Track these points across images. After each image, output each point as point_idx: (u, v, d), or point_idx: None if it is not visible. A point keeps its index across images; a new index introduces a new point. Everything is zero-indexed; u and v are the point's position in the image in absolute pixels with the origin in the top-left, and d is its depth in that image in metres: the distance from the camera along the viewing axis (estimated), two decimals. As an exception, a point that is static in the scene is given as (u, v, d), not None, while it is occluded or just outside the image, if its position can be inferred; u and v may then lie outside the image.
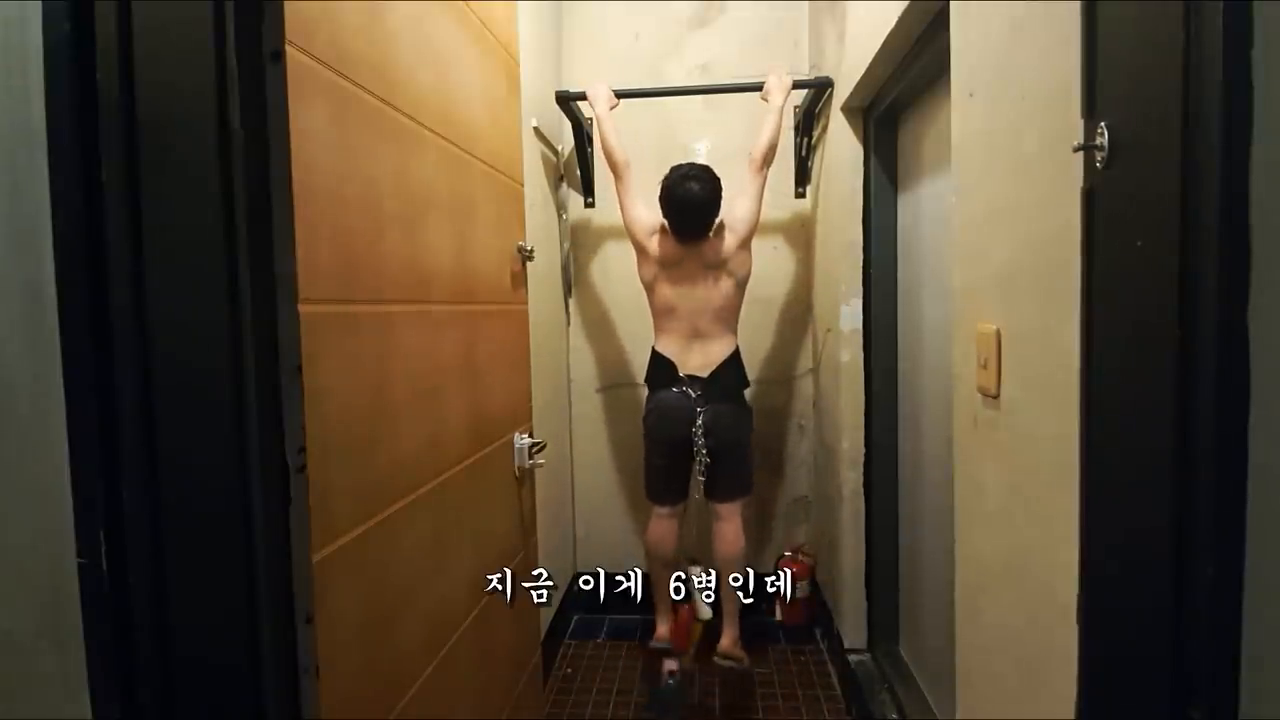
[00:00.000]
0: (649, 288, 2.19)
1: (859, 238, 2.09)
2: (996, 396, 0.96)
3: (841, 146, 2.11)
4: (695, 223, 2.07)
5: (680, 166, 2.09)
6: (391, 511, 0.96)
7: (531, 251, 1.61)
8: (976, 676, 1.08)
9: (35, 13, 0.49)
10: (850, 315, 2.12)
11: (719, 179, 2.07)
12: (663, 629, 2.16)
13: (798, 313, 2.64)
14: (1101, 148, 0.65)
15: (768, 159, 2.12)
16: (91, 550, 0.50)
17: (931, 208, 1.74)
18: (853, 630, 2.15)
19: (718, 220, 2.12)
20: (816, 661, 2.37)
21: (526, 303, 1.64)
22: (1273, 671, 0.52)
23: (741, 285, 2.16)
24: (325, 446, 0.79)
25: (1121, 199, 0.64)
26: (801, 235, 2.62)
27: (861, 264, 2.09)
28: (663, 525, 2.16)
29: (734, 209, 2.12)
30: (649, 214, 2.15)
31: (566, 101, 2.35)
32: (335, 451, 0.82)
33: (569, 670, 2.33)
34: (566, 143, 2.59)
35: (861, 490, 2.13)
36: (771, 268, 2.62)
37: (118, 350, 0.52)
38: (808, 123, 2.41)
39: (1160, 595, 0.58)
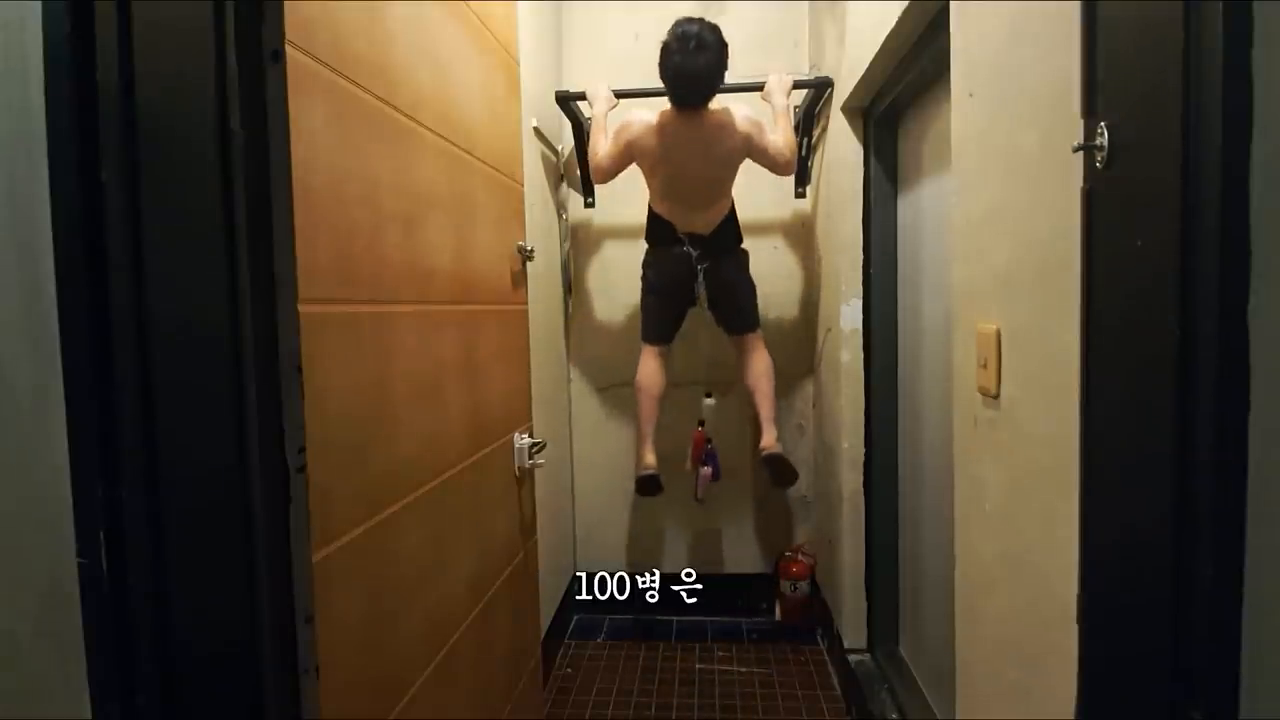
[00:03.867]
0: (649, 173, 2.18)
1: (859, 238, 2.09)
2: (996, 396, 0.96)
3: (841, 146, 2.11)
4: (696, 91, 1.99)
5: (685, 24, 1.93)
6: (391, 511, 0.96)
7: (531, 251, 1.61)
8: (976, 676, 1.08)
9: (35, 13, 0.48)
10: (850, 315, 2.12)
11: (724, 42, 1.94)
12: (649, 457, 2.25)
13: (797, 313, 2.64)
14: (1101, 148, 0.65)
15: (794, 153, 2.15)
16: (91, 550, 0.50)
17: (931, 208, 1.74)
18: (853, 630, 2.15)
19: (728, 106, 2.08)
20: (816, 661, 2.37)
21: (526, 303, 1.64)
22: (1273, 671, 0.52)
23: (738, 161, 2.15)
24: (325, 446, 0.79)
25: (1121, 199, 0.64)
26: (801, 235, 2.62)
27: (861, 264, 2.09)
28: (654, 362, 2.29)
29: (757, 124, 2.10)
30: (627, 130, 2.11)
31: (566, 101, 2.35)
32: (335, 451, 0.82)
33: (569, 670, 2.33)
34: (566, 143, 2.59)
35: (861, 490, 2.13)
36: (771, 268, 2.62)
37: (118, 350, 0.52)
38: (808, 123, 2.41)
39: (1160, 595, 0.58)
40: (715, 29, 1.93)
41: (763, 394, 2.23)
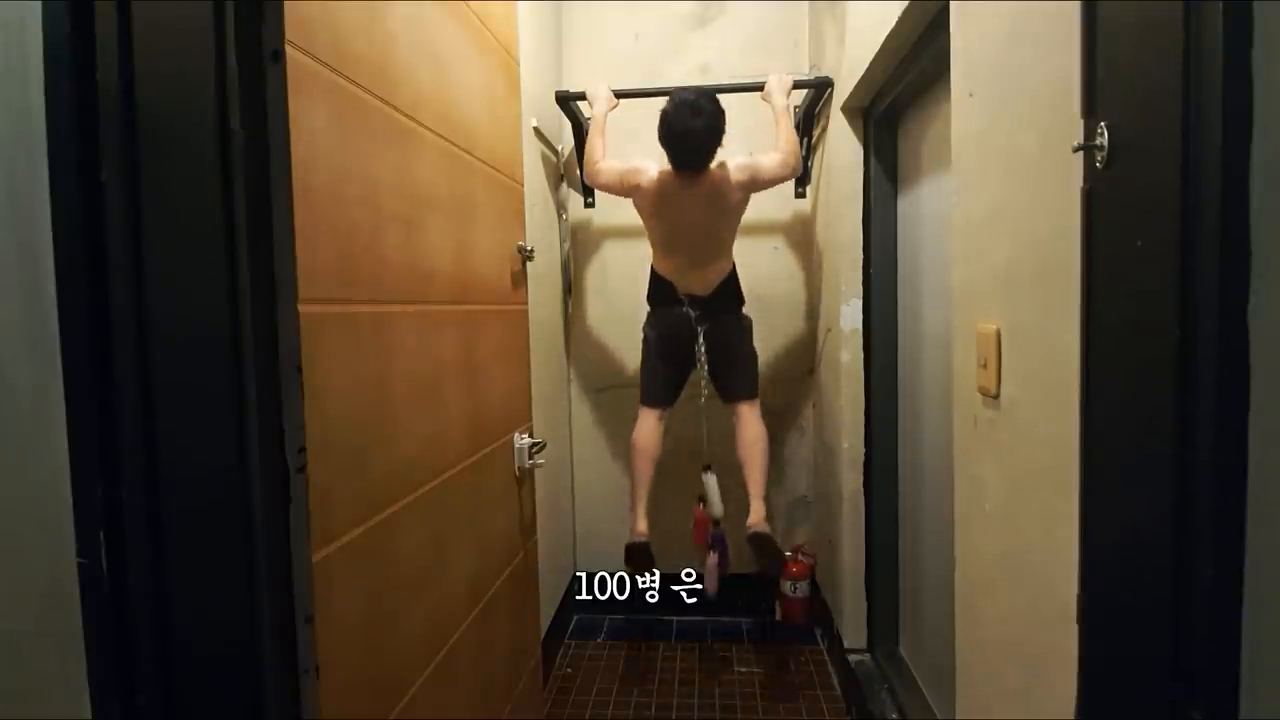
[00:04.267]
0: (647, 219, 2.19)
1: (859, 238, 2.09)
2: (996, 396, 0.96)
3: (841, 146, 2.11)
4: (695, 158, 2.03)
5: (681, 92, 2.01)
6: (391, 511, 0.96)
7: (531, 251, 1.61)
8: (976, 676, 1.08)
9: (35, 13, 0.49)
10: (850, 315, 2.12)
11: (721, 108, 2.00)
12: (641, 524, 2.19)
13: (798, 313, 2.64)
14: (1101, 148, 0.65)
15: (797, 155, 2.13)
16: (91, 550, 0.50)
17: (931, 208, 1.74)
18: (853, 630, 2.15)
19: (724, 161, 2.09)
20: (816, 661, 2.37)
21: (526, 303, 1.64)
22: (1273, 671, 0.52)
23: (738, 217, 2.17)
24: (325, 446, 0.79)
25: (1121, 199, 0.64)
26: (801, 235, 2.62)
27: (861, 264, 2.09)
28: (651, 425, 2.25)
29: (751, 162, 2.10)
30: (630, 163, 2.13)
31: (566, 101, 2.35)
32: (335, 451, 0.82)
33: (569, 670, 2.33)
34: (566, 143, 2.59)
35: (861, 490, 2.13)
36: (771, 268, 2.62)
37: (118, 350, 0.52)
38: (808, 123, 2.41)
39: (1160, 595, 0.58)
40: (713, 97, 2.02)
41: (753, 468, 2.16)
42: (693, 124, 1.96)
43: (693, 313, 2.16)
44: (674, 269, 2.18)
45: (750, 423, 2.20)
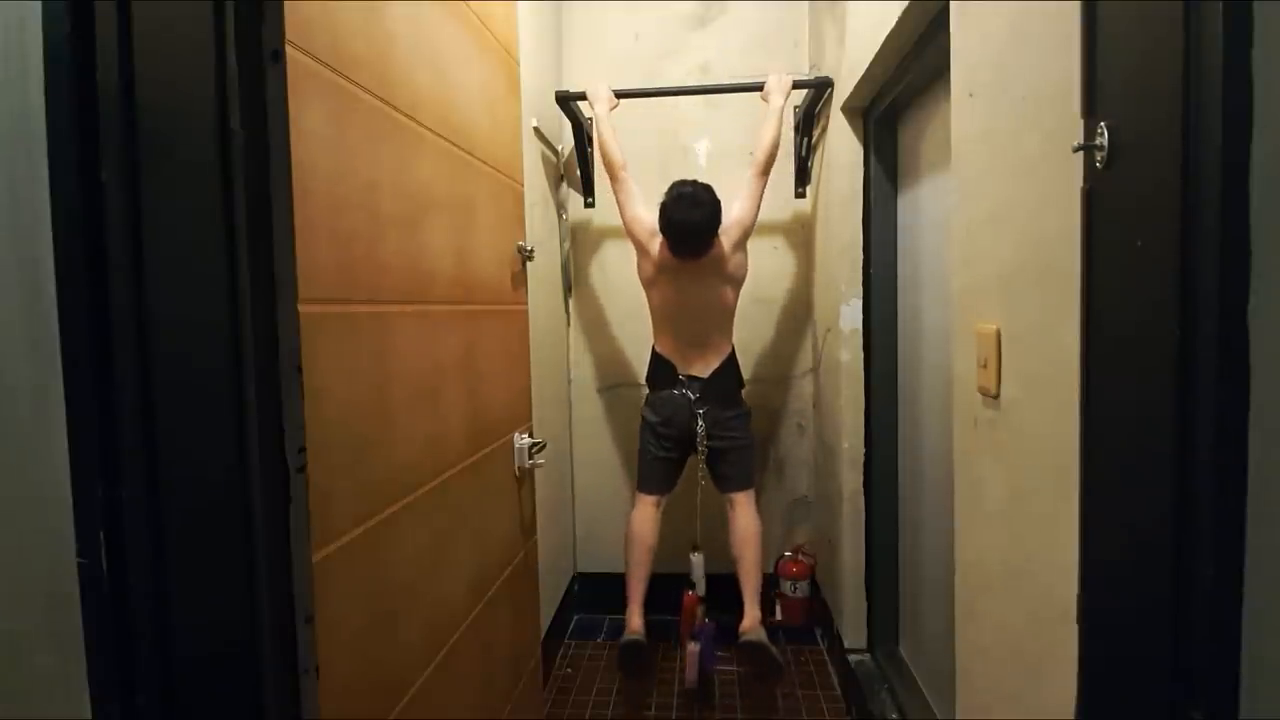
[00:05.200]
0: (647, 287, 2.22)
1: (859, 238, 2.09)
2: (996, 396, 0.96)
3: (841, 146, 2.11)
4: (693, 246, 2.08)
5: (680, 186, 2.08)
6: (391, 511, 0.96)
7: (531, 251, 1.61)
8: (976, 676, 1.08)
9: (35, 13, 0.49)
10: (850, 315, 2.12)
11: (718, 201, 2.07)
12: (636, 620, 2.15)
13: (798, 313, 2.64)
14: (1101, 148, 0.65)
15: (770, 161, 2.14)
16: (91, 550, 0.50)
17: (931, 208, 1.74)
18: (853, 630, 2.15)
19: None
20: (816, 661, 2.37)
21: (526, 303, 1.64)
22: (1273, 671, 0.52)
23: (738, 287, 2.20)
24: (325, 446, 0.79)
25: (1121, 199, 0.64)
26: (801, 235, 2.62)
27: (861, 264, 2.09)
28: (649, 513, 2.23)
29: (730, 211, 2.13)
30: (648, 214, 2.16)
31: (566, 101, 2.35)
32: (335, 451, 0.82)
33: (569, 670, 2.33)
34: (566, 143, 2.59)
35: (861, 490, 2.13)
36: (771, 268, 2.62)
37: (118, 350, 0.52)
38: (808, 123, 2.41)
39: (1160, 595, 0.58)
40: (709, 189, 2.07)
41: (746, 564, 2.13)
42: (692, 216, 2.03)
43: (692, 395, 2.16)
44: (674, 349, 2.20)
45: (745, 514, 2.19)
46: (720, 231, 2.12)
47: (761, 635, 2.04)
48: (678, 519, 2.56)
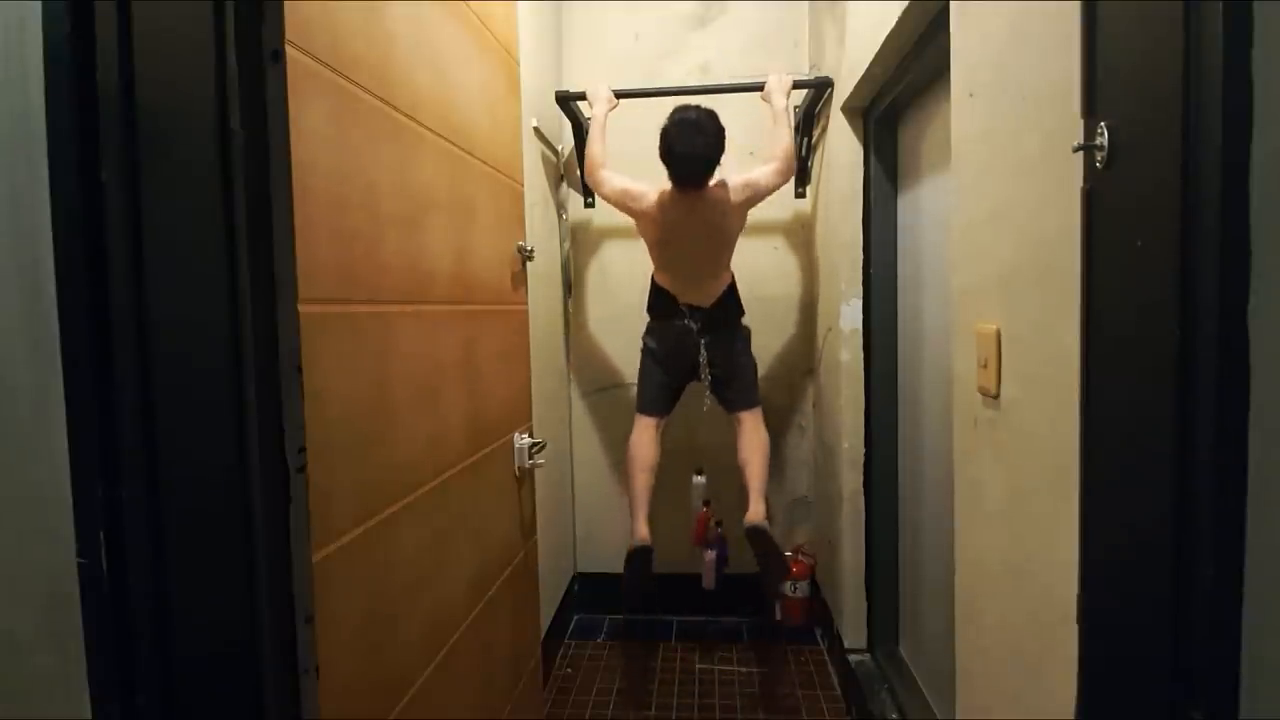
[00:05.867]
0: (649, 239, 2.21)
1: (859, 238, 2.09)
2: (996, 396, 0.96)
3: (841, 146, 2.11)
4: (696, 174, 2.03)
5: (683, 111, 2.02)
6: (391, 511, 0.96)
7: (531, 251, 1.61)
8: (976, 676, 1.08)
9: (35, 13, 0.49)
10: (850, 315, 2.12)
11: (721, 127, 2.01)
12: (643, 529, 2.15)
13: (798, 313, 2.64)
14: (1101, 148, 0.65)
15: (791, 159, 2.13)
16: (91, 550, 0.50)
17: (931, 208, 1.74)
18: (853, 630, 2.15)
19: (724, 180, 2.10)
20: (816, 661, 2.37)
21: (526, 303, 1.64)
22: (1273, 671, 0.52)
23: (737, 231, 2.18)
24: (325, 446, 0.79)
25: (1121, 199, 0.64)
26: (801, 235, 2.62)
27: (861, 264, 2.09)
28: (649, 434, 2.24)
29: (748, 177, 2.11)
30: (634, 184, 2.14)
31: (566, 101, 2.35)
32: (335, 451, 0.82)
33: (569, 670, 2.33)
34: (566, 143, 2.59)
35: (861, 490, 2.13)
36: (771, 268, 2.62)
37: (118, 350, 0.52)
38: (808, 123, 2.41)
39: (1160, 595, 0.58)
40: (713, 114, 2.00)
41: (755, 468, 2.16)
42: (695, 143, 1.97)
43: (694, 325, 2.16)
44: (674, 282, 2.19)
45: (753, 429, 2.21)
46: (728, 180, 2.09)
47: (764, 525, 2.07)
48: (673, 520, 2.56)
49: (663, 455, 2.26)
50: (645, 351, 2.28)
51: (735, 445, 2.22)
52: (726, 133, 2.02)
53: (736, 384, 2.22)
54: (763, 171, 2.12)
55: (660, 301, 2.22)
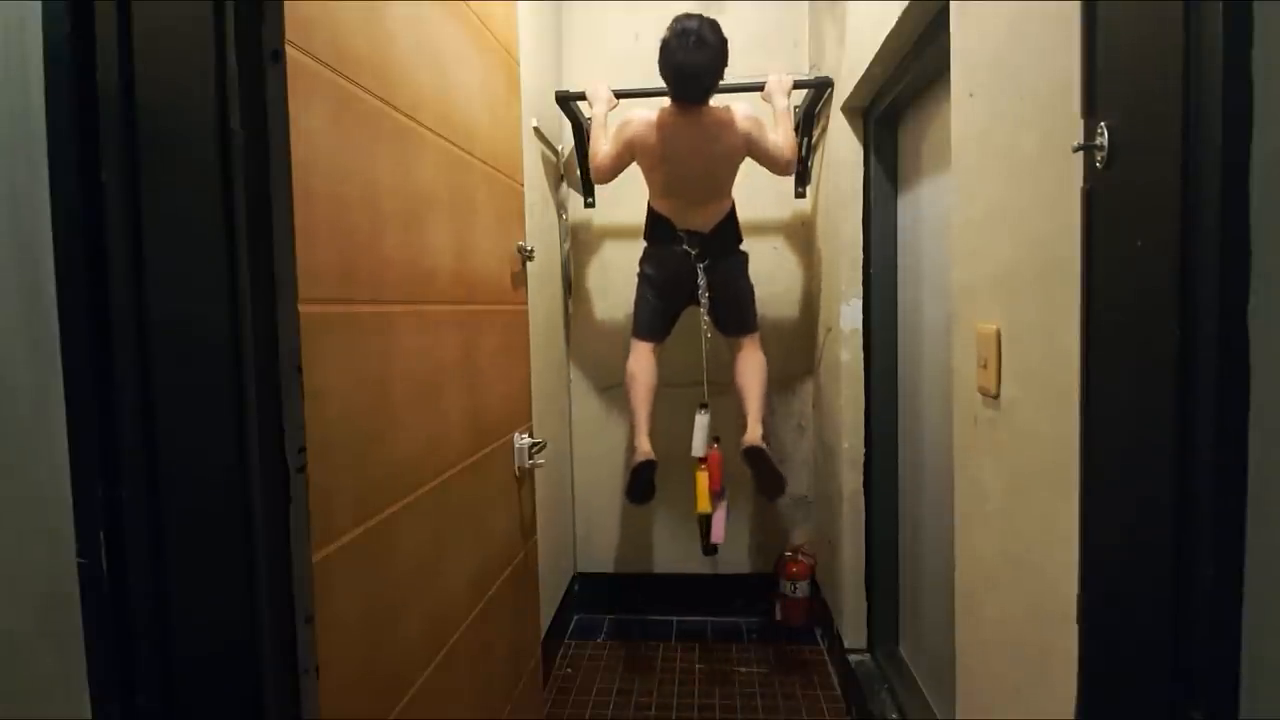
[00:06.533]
0: (649, 171, 2.17)
1: (859, 238, 2.08)
2: (996, 396, 0.96)
3: (841, 146, 2.11)
4: (697, 87, 1.99)
5: (684, 20, 1.93)
6: (392, 511, 0.96)
7: (531, 251, 1.61)
8: (976, 676, 1.08)
9: (35, 13, 0.49)
10: (850, 315, 2.12)
11: (724, 38, 1.95)
12: (645, 443, 2.15)
13: (798, 313, 2.64)
14: (1101, 148, 0.65)
15: (793, 157, 2.14)
16: (91, 550, 0.50)
17: (931, 208, 1.74)
18: (853, 630, 2.15)
19: (730, 105, 2.08)
20: (816, 661, 2.37)
21: (526, 303, 1.64)
22: (1273, 671, 0.52)
23: (739, 159, 2.15)
24: (325, 446, 0.79)
25: (1121, 199, 0.64)
26: (801, 235, 2.62)
27: (861, 264, 2.09)
28: (647, 356, 2.23)
29: (759, 125, 2.09)
30: (622, 135, 2.11)
31: (566, 101, 2.35)
32: (335, 451, 0.82)
33: (569, 670, 2.33)
34: (566, 143, 2.59)
35: (861, 490, 2.13)
36: (771, 268, 2.62)
37: (118, 350, 0.52)
38: (808, 123, 2.41)
39: (1160, 595, 0.58)
40: (715, 25, 1.94)
41: (752, 392, 2.16)
42: (696, 57, 1.91)
43: (692, 251, 2.13)
44: (673, 207, 2.16)
45: (751, 353, 2.21)
46: (735, 109, 2.06)
47: (762, 445, 2.07)
48: (673, 524, 2.57)
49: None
50: (641, 277, 2.25)
51: (732, 371, 2.22)
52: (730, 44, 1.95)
53: (734, 309, 2.21)
54: (772, 135, 2.10)
55: (658, 227, 2.19)
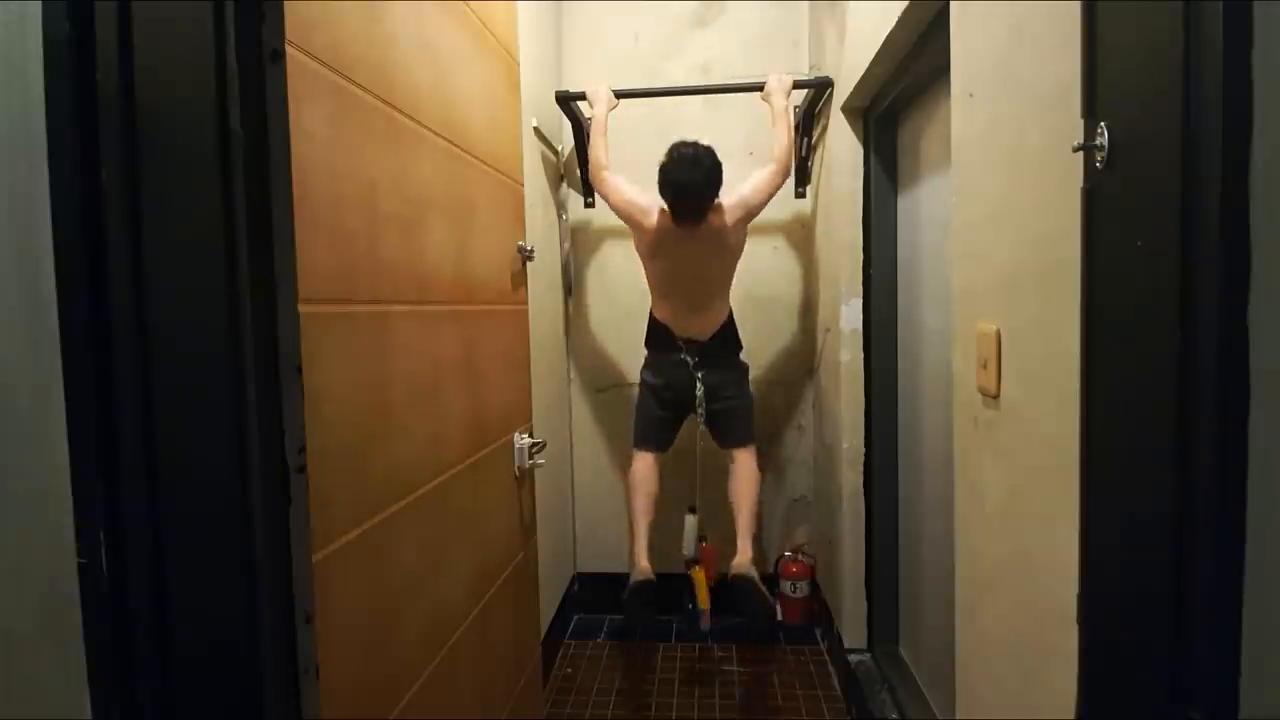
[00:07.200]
0: (647, 260, 2.21)
1: (859, 238, 2.09)
2: (996, 396, 0.96)
3: (841, 146, 2.11)
4: (694, 209, 2.05)
5: (680, 147, 2.04)
6: (392, 511, 0.96)
7: (531, 251, 1.61)
8: (976, 676, 1.08)
9: (35, 13, 0.48)
10: (850, 315, 2.12)
11: (719, 162, 2.04)
12: (644, 560, 2.14)
13: (798, 313, 2.64)
14: (1101, 148, 0.65)
15: (789, 158, 2.14)
16: (91, 550, 0.50)
17: (931, 208, 1.74)
18: (853, 630, 2.15)
19: (719, 202, 2.11)
20: (816, 661, 2.37)
21: (526, 303, 1.63)
22: (1273, 671, 0.52)
23: (737, 257, 2.20)
24: (325, 446, 0.79)
25: (1121, 199, 0.64)
26: (801, 235, 2.62)
27: (861, 264, 2.09)
28: (648, 466, 2.24)
29: (741, 194, 2.11)
30: (640, 194, 2.15)
31: (566, 101, 2.35)
32: (335, 451, 0.82)
33: (569, 670, 2.33)
34: (566, 143, 2.59)
35: (861, 490, 2.13)
36: (771, 268, 2.62)
37: (118, 350, 0.52)
38: (808, 123, 2.41)
39: (1160, 595, 0.58)
40: (710, 150, 2.03)
41: (744, 511, 2.16)
42: (692, 177, 1.99)
43: (691, 360, 2.17)
44: (672, 314, 2.20)
45: (745, 466, 2.21)
46: (727, 211, 2.10)
47: (752, 572, 2.05)
48: (673, 524, 2.57)
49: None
50: (643, 385, 2.28)
51: (728, 482, 2.21)
52: (723, 158, 2.04)
53: (732, 419, 2.21)
54: (755, 181, 2.13)
55: (657, 335, 2.23)
